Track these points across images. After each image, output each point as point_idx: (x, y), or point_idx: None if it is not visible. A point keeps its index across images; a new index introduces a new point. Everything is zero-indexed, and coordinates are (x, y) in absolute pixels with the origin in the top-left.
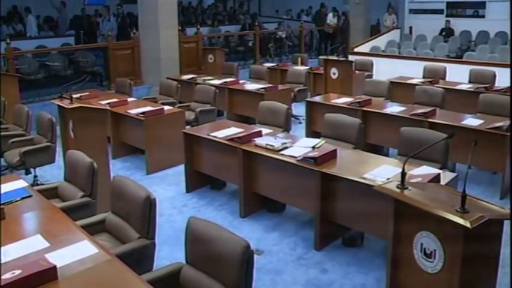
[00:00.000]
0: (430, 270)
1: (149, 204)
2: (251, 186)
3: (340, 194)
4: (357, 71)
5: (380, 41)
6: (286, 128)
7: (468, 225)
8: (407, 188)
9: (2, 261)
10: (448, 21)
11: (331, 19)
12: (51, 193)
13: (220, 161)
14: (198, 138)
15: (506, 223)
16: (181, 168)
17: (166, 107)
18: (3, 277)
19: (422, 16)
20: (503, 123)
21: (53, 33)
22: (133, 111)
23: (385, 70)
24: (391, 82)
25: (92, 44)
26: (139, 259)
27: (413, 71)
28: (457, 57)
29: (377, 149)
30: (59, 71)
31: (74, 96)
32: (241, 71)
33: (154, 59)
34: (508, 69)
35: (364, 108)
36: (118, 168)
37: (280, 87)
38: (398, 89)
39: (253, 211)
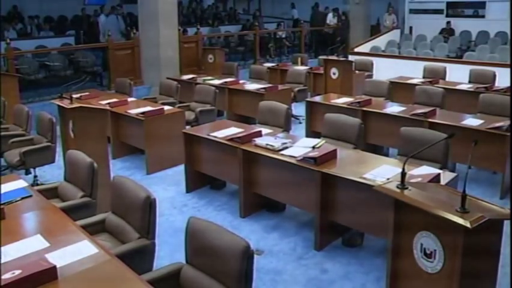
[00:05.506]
0: (430, 270)
1: (149, 204)
2: (251, 186)
3: (340, 194)
4: (357, 71)
5: (380, 41)
6: (286, 128)
7: (468, 225)
8: (407, 188)
9: (2, 261)
10: (448, 22)
11: (331, 19)
12: (51, 193)
13: (220, 161)
14: (198, 138)
15: (506, 223)
16: (181, 168)
17: (166, 107)
18: (3, 277)
19: (422, 16)
20: (503, 123)
21: (53, 33)
22: (133, 111)
23: (385, 70)
24: (391, 82)
25: (92, 44)
26: (139, 259)
27: (413, 71)
28: (457, 57)
29: (377, 149)
30: (59, 71)
31: (74, 96)
32: (241, 71)
33: (154, 59)
34: (508, 69)
35: (364, 108)
36: (118, 168)
37: (280, 87)
38: (398, 89)
39: (253, 211)
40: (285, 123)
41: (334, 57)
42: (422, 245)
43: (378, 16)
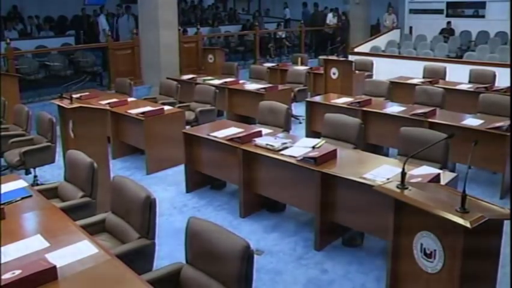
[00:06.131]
0: (430, 270)
1: (149, 204)
2: (251, 186)
3: (340, 194)
4: (357, 71)
5: (380, 41)
6: (286, 128)
7: (468, 225)
8: (407, 188)
9: (2, 261)
10: (449, 22)
11: (331, 19)
12: (51, 193)
13: (220, 161)
14: (198, 138)
15: (506, 223)
16: (181, 168)
17: (166, 107)
18: (3, 277)
19: (422, 16)
20: (503, 123)
21: (53, 33)
22: (133, 111)
23: (385, 70)
24: (391, 82)
25: (92, 44)
26: (139, 259)
27: (413, 71)
28: (457, 57)
29: (377, 149)
30: (59, 71)
31: (74, 96)
32: (241, 71)
33: (154, 59)
34: (508, 69)
35: (364, 108)
36: (118, 168)
37: (280, 87)
38: (398, 89)
39: (253, 211)
40: (285, 123)
41: (334, 57)
42: (422, 245)
43: (378, 16)
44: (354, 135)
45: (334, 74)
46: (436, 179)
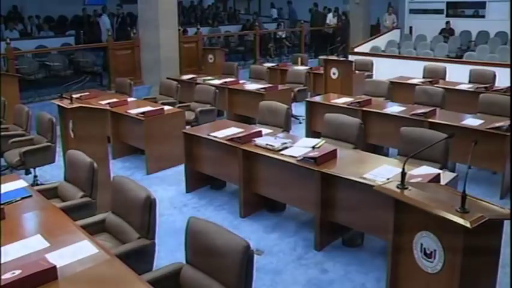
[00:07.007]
0: (430, 270)
1: (149, 204)
2: (251, 186)
3: (340, 194)
4: (357, 71)
5: (380, 41)
6: (286, 128)
7: (468, 225)
8: (407, 188)
9: (2, 261)
10: (448, 22)
11: (331, 19)
12: (51, 193)
13: (220, 161)
14: (198, 138)
15: (506, 223)
16: (181, 168)
17: (166, 107)
18: (3, 277)
19: (422, 16)
20: (503, 123)
21: (53, 33)
22: (133, 111)
23: (385, 70)
24: (391, 82)
25: (92, 44)
26: (139, 259)
27: (413, 71)
28: (457, 57)
29: (377, 149)
30: (59, 71)
31: (74, 96)
32: (241, 71)
33: (154, 59)
34: (508, 69)
35: (364, 108)
36: (118, 168)
37: (280, 87)
38: (398, 89)
39: (253, 211)
40: (285, 123)
41: (334, 57)
42: (422, 245)
43: (378, 16)
44: (354, 135)
45: (334, 74)
46: (436, 179)
